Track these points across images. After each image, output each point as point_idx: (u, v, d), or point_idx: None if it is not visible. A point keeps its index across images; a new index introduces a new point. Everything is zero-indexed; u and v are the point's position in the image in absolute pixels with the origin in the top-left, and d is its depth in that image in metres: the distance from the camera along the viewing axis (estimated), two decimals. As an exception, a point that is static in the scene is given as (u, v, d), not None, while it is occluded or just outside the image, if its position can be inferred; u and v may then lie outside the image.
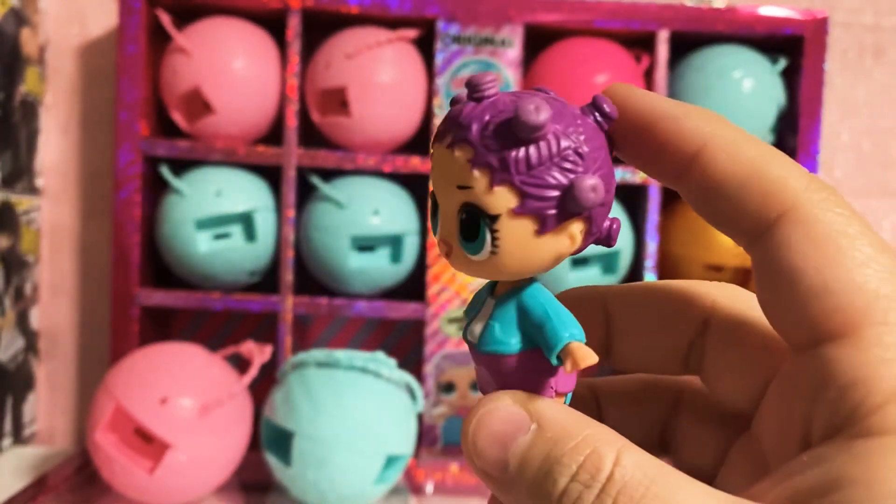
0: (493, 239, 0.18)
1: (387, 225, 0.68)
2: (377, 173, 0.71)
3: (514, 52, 0.69)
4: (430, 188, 0.19)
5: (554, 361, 0.18)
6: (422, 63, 0.70)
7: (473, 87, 0.18)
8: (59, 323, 0.78)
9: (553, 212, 0.18)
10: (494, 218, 0.18)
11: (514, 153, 0.18)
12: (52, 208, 0.77)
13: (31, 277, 0.74)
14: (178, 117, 0.69)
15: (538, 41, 0.71)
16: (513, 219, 0.18)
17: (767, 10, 0.71)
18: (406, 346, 0.78)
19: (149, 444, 0.57)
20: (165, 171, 0.69)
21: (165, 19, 0.68)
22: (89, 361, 0.78)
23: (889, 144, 0.82)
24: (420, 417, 0.68)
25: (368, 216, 0.68)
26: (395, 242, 0.70)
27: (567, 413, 0.18)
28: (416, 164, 0.69)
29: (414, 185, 0.72)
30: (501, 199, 0.18)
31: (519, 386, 0.19)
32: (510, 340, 0.19)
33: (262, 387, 0.65)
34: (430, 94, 0.70)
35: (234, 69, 0.67)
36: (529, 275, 0.19)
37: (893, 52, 0.81)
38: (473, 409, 0.18)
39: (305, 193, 0.71)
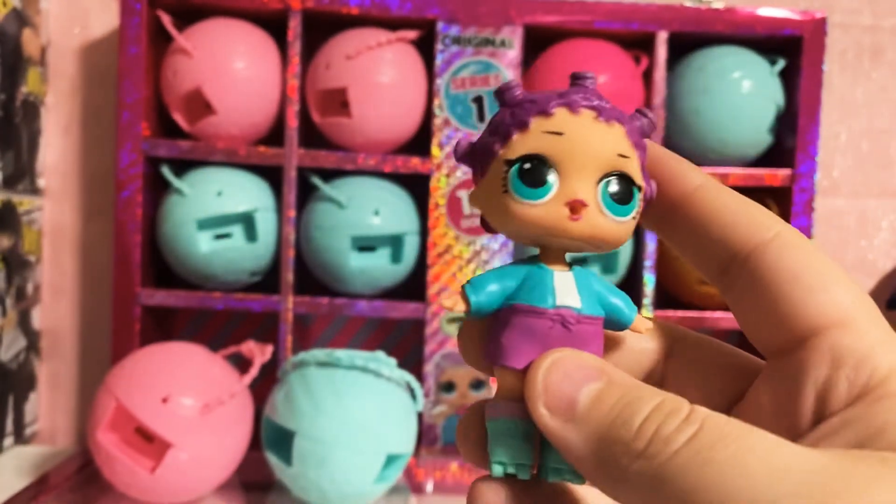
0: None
1: (387, 225, 0.68)
2: (377, 173, 0.71)
3: (514, 52, 0.69)
4: (521, 153, 0.20)
5: (623, 328, 0.22)
6: (422, 64, 0.71)
7: (583, 77, 0.21)
8: (60, 323, 0.78)
9: (647, 198, 0.22)
10: (639, 189, 0.21)
11: (643, 144, 0.21)
12: (54, 208, 0.77)
13: (33, 277, 0.75)
14: (179, 118, 0.70)
15: (538, 42, 0.72)
16: (640, 194, 0.21)
17: (766, 11, 0.71)
18: (406, 345, 0.78)
19: (150, 443, 0.58)
20: (167, 172, 0.69)
21: (166, 20, 0.69)
22: (91, 361, 0.78)
23: (887, 144, 0.82)
24: (420, 417, 0.69)
25: (369, 216, 0.68)
26: (395, 242, 0.70)
27: (632, 378, 0.19)
28: (416, 164, 0.70)
29: (414, 185, 0.72)
30: (640, 177, 0.21)
31: (588, 347, 0.21)
32: (598, 306, 0.21)
33: (263, 386, 0.65)
34: (431, 94, 0.70)
35: (235, 70, 0.67)
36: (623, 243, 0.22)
37: (892, 52, 0.82)
38: (543, 357, 0.20)
39: (306, 194, 0.72)
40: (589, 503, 0.23)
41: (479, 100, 0.70)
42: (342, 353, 0.58)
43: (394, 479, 0.60)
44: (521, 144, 0.20)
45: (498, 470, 0.20)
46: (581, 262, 0.22)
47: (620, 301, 0.22)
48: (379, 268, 0.69)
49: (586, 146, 0.20)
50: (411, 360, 0.75)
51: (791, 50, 0.72)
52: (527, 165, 0.20)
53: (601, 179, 0.20)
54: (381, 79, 0.68)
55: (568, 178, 0.20)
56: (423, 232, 0.71)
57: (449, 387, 0.71)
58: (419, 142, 0.72)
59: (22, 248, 0.72)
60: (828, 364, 0.18)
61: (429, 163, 0.70)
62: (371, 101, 0.68)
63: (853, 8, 0.81)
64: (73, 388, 0.78)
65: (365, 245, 0.69)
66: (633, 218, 0.21)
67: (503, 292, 0.21)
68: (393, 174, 0.71)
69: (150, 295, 0.69)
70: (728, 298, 0.21)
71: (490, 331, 0.21)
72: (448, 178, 0.70)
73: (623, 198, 0.21)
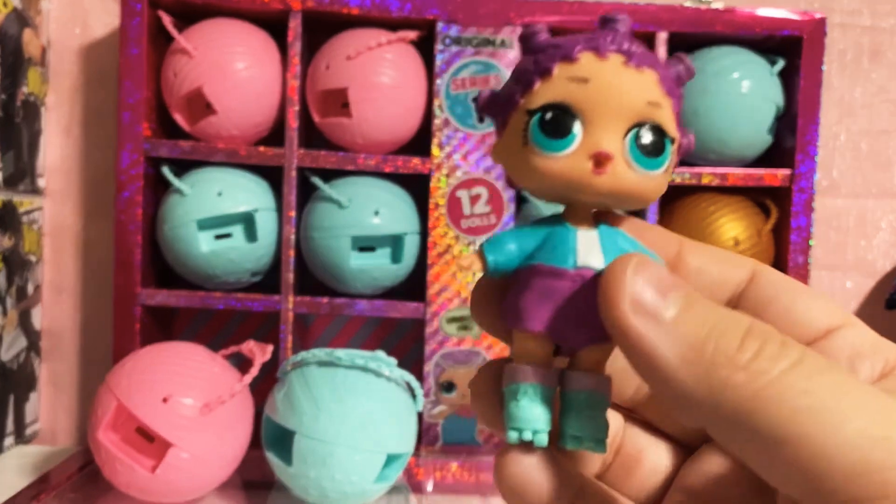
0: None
1: (387, 225, 0.69)
2: (378, 174, 0.71)
3: (514, 53, 0.70)
4: (543, 102, 0.19)
5: None
6: (422, 64, 0.71)
7: (614, 20, 0.19)
8: (61, 322, 0.78)
9: (683, 150, 0.21)
10: (672, 140, 0.20)
11: (681, 91, 0.20)
12: (55, 208, 0.78)
13: (34, 277, 0.75)
14: (179, 118, 0.70)
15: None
16: (674, 145, 0.20)
17: (765, 12, 0.71)
18: (406, 345, 0.78)
19: (150, 442, 0.58)
20: (167, 172, 0.69)
21: (167, 20, 0.69)
22: (91, 361, 0.78)
23: (887, 145, 0.82)
24: (420, 416, 0.69)
25: (369, 216, 0.68)
26: (395, 242, 0.70)
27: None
28: (416, 164, 0.70)
29: (414, 185, 0.72)
30: (674, 127, 0.20)
31: None
32: None
33: (264, 386, 0.65)
34: (431, 95, 0.70)
35: (235, 70, 0.67)
36: (654, 200, 0.21)
37: (891, 53, 0.82)
38: (626, 257, 0.18)
39: (306, 194, 0.72)
40: (608, 481, 0.23)
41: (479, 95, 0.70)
42: (342, 353, 0.58)
43: (394, 479, 0.60)
44: (544, 93, 0.19)
45: (513, 436, 0.20)
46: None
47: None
48: (379, 268, 0.70)
49: (613, 93, 0.19)
50: (411, 359, 0.75)
51: (790, 50, 0.72)
52: (548, 115, 0.19)
53: (629, 130, 0.19)
54: (381, 79, 0.68)
55: (593, 129, 0.19)
56: (424, 232, 0.71)
57: (449, 386, 0.71)
58: (419, 142, 0.72)
59: (22, 248, 0.72)
60: (848, 356, 0.19)
61: (429, 163, 0.70)
62: (371, 101, 0.68)
63: (852, 8, 0.81)
64: (74, 387, 0.79)
65: (365, 245, 0.70)
66: (666, 171, 0.20)
67: (522, 251, 0.20)
68: (393, 174, 0.71)
69: (151, 295, 0.70)
70: None
71: (508, 292, 0.20)
72: (448, 178, 0.70)
73: (653, 150, 0.19)
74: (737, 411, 0.16)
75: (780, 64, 0.72)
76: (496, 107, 0.21)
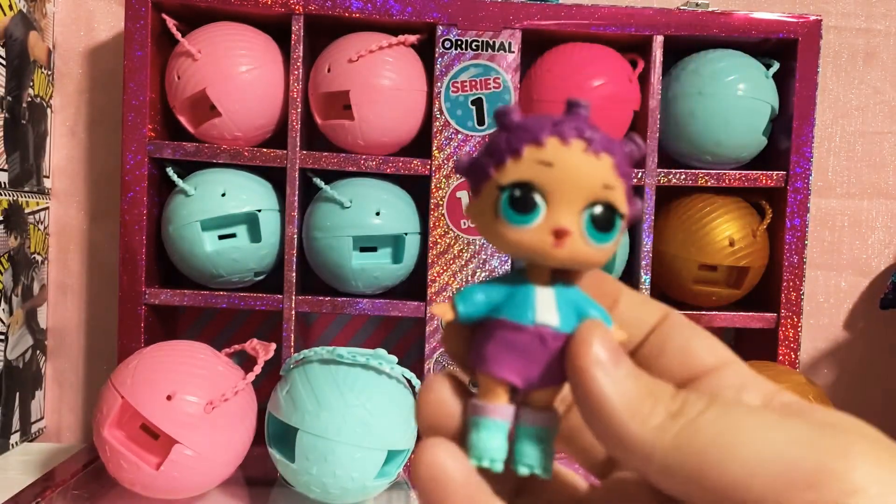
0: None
1: (388, 225, 0.69)
2: (379, 175, 0.72)
3: (513, 56, 0.70)
4: (512, 180, 0.22)
5: None
6: (422, 67, 0.71)
7: (577, 105, 0.22)
8: (66, 321, 0.79)
9: (631, 219, 0.23)
10: (622, 216, 0.22)
11: (631, 169, 0.23)
12: (60, 209, 0.78)
13: (40, 277, 0.75)
14: (183, 120, 0.71)
15: (536, 46, 0.73)
16: (624, 220, 0.23)
17: (761, 15, 0.72)
18: (407, 343, 0.79)
19: (155, 439, 0.58)
20: (172, 173, 0.70)
21: (171, 23, 0.70)
22: (96, 359, 0.79)
23: (881, 146, 0.83)
24: (420, 414, 0.69)
25: (370, 217, 0.69)
26: (396, 242, 0.71)
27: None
28: (416, 166, 0.71)
29: (414, 186, 0.73)
30: (625, 204, 0.22)
31: (561, 362, 0.22)
32: (575, 322, 0.23)
33: (267, 383, 0.66)
34: (431, 97, 0.71)
35: (238, 73, 0.68)
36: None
37: (885, 55, 0.83)
38: (594, 323, 0.22)
39: (309, 195, 0.72)
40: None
41: (478, 102, 0.71)
42: (344, 351, 0.59)
43: (394, 475, 0.60)
44: (514, 171, 0.22)
45: (474, 462, 0.22)
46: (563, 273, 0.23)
47: (598, 315, 0.23)
48: (380, 267, 0.70)
49: (574, 177, 0.22)
50: (412, 357, 0.76)
51: (785, 53, 0.73)
52: (517, 192, 0.22)
53: (586, 208, 0.22)
54: (382, 82, 0.69)
55: (554, 207, 0.22)
56: (424, 232, 0.72)
57: (449, 384, 0.72)
58: (420, 144, 0.72)
59: (28, 248, 0.73)
60: (736, 387, 0.23)
61: (429, 164, 0.71)
62: (372, 103, 0.68)
63: (847, 11, 0.82)
64: (79, 385, 0.79)
65: (366, 245, 0.70)
66: (615, 243, 0.23)
67: (489, 303, 0.23)
68: (394, 175, 0.72)
69: (156, 294, 0.70)
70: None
71: (475, 338, 0.23)
72: (448, 179, 0.71)
73: (605, 226, 0.22)
74: (670, 448, 0.20)
75: (776, 66, 0.72)
76: (472, 173, 0.23)
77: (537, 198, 0.22)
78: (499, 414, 0.22)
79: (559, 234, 0.22)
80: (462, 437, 0.23)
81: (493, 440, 0.22)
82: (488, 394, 0.23)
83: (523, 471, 0.23)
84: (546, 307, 0.22)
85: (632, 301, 0.25)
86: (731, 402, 0.21)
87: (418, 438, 0.70)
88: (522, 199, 0.22)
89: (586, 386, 0.21)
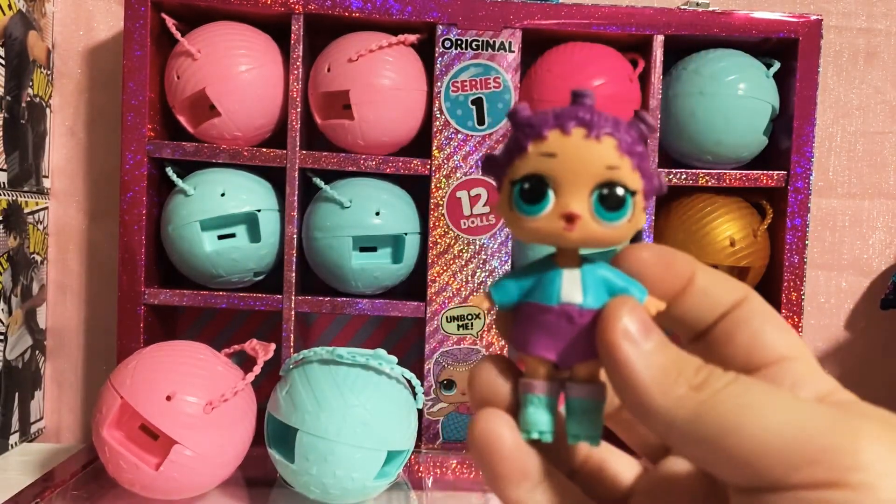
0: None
1: (388, 225, 0.69)
2: (379, 175, 0.72)
3: (513, 56, 0.70)
4: (521, 174, 0.23)
5: None
6: (422, 67, 0.71)
7: (582, 95, 0.23)
8: (66, 321, 0.79)
9: (652, 193, 0.24)
10: (633, 193, 0.23)
11: (641, 147, 0.24)
12: (60, 209, 0.78)
13: (39, 277, 0.75)
14: (183, 120, 0.71)
15: (536, 45, 0.72)
16: (639, 195, 0.24)
17: (761, 14, 0.72)
18: (407, 343, 0.79)
19: (154, 440, 0.58)
20: (171, 173, 0.70)
21: (170, 23, 0.70)
22: (96, 359, 0.79)
23: (882, 146, 0.83)
24: (420, 414, 0.69)
25: (370, 217, 0.69)
26: (396, 242, 0.71)
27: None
28: (416, 165, 0.71)
29: (414, 186, 0.73)
30: (636, 180, 0.23)
31: (594, 337, 0.24)
32: (604, 297, 0.24)
33: (266, 384, 0.66)
34: (431, 97, 0.71)
35: (238, 73, 0.68)
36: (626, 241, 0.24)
37: (886, 54, 0.82)
38: (616, 301, 0.23)
39: (308, 195, 0.72)
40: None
41: (478, 102, 0.70)
42: (344, 351, 0.59)
43: (394, 476, 0.60)
44: (522, 166, 0.23)
45: (524, 436, 0.24)
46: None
47: (629, 287, 0.24)
48: (380, 267, 0.70)
49: (576, 163, 0.23)
50: (412, 357, 0.76)
51: (786, 52, 0.73)
52: (526, 185, 0.23)
53: (593, 190, 0.23)
54: (382, 81, 0.68)
55: (562, 194, 0.23)
56: (424, 232, 0.72)
57: (449, 384, 0.72)
58: (420, 144, 0.72)
59: (28, 248, 0.72)
60: (790, 383, 0.24)
61: (429, 164, 0.71)
62: (372, 103, 0.68)
63: (848, 11, 0.82)
64: (79, 385, 0.79)
65: (366, 245, 0.70)
66: (630, 219, 0.24)
67: (521, 290, 0.25)
68: (394, 175, 0.72)
69: (155, 294, 0.70)
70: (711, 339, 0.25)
71: (515, 322, 0.25)
72: (448, 179, 0.71)
73: (615, 205, 0.23)
74: (691, 417, 0.21)
75: (776, 66, 0.72)
76: (492, 172, 0.25)
77: (546, 188, 0.23)
78: (543, 389, 0.24)
79: (569, 219, 0.23)
80: (513, 412, 0.24)
81: (539, 414, 0.24)
82: (532, 372, 0.25)
83: (573, 441, 0.24)
84: (571, 287, 0.24)
85: (709, 279, 0.25)
86: (753, 381, 0.22)
87: (419, 438, 0.70)
88: (532, 191, 0.23)
89: (614, 358, 0.22)
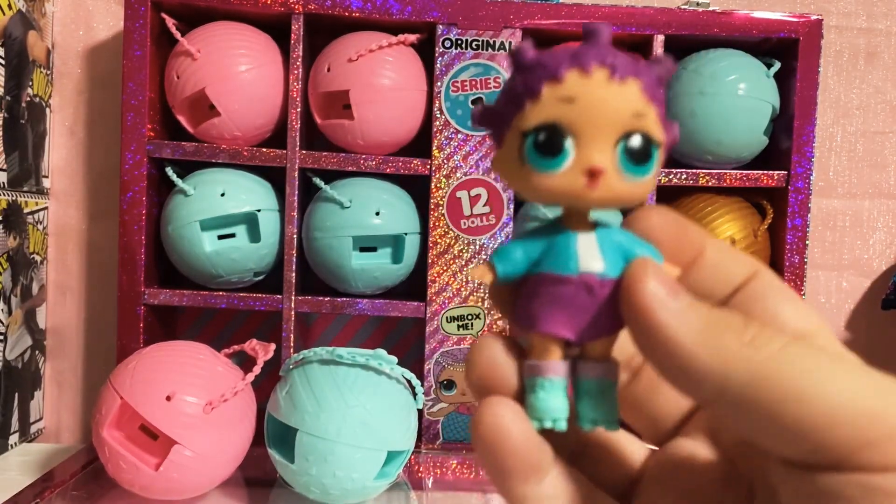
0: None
1: (388, 225, 0.69)
2: (379, 175, 0.72)
3: (513, 55, 0.70)
4: (535, 123, 0.20)
5: None
6: (422, 67, 0.71)
7: (596, 31, 0.20)
8: (65, 322, 0.79)
9: (669, 144, 0.22)
10: (658, 145, 0.21)
11: (662, 91, 0.21)
12: (59, 209, 0.78)
13: (38, 277, 0.75)
14: (183, 120, 0.70)
15: (537, 45, 0.72)
16: (661, 149, 0.21)
17: (762, 14, 0.72)
18: (407, 343, 0.79)
19: (154, 440, 0.58)
20: (171, 173, 0.70)
21: (170, 23, 0.70)
22: (95, 359, 0.79)
23: (882, 146, 0.83)
24: (420, 414, 0.69)
25: (370, 217, 0.69)
26: (396, 243, 0.71)
27: None
28: (416, 165, 0.71)
29: (414, 186, 0.73)
30: (660, 130, 0.21)
31: (613, 310, 0.21)
32: (623, 264, 0.21)
33: (266, 384, 0.66)
34: (431, 97, 0.71)
35: (238, 72, 0.68)
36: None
37: (886, 54, 0.82)
38: (637, 264, 0.21)
39: (308, 195, 0.72)
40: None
41: (478, 102, 0.70)
42: (344, 351, 0.59)
43: (394, 476, 0.60)
44: (535, 114, 0.20)
45: (535, 425, 0.21)
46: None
47: (647, 252, 0.22)
48: (380, 267, 0.70)
49: (600, 110, 0.20)
50: (412, 357, 0.76)
51: (787, 52, 0.73)
52: (541, 136, 0.20)
53: (618, 141, 0.20)
54: (382, 81, 0.68)
55: (584, 145, 0.20)
56: (424, 232, 0.72)
57: (449, 385, 0.72)
58: (420, 144, 0.72)
59: (27, 248, 0.72)
60: None
61: (429, 164, 0.70)
62: (372, 103, 0.68)
63: (848, 10, 0.82)
64: (78, 386, 0.79)
65: (366, 245, 0.70)
66: (654, 175, 0.21)
67: (528, 259, 0.22)
68: (394, 175, 0.72)
69: (155, 294, 0.70)
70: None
71: (520, 298, 0.22)
72: (448, 179, 0.70)
73: (641, 157, 0.20)
74: (747, 379, 0.19)
75: (777, 66, 0.72)
76: (491, 122, 0.22)
77: (564, 138, 0.20)
78: (555, 371, 0.22)
79: (592, 174, 0.20)
80: (518, 398, 0.22)
81: (552, 399, 0.21)
82: (542, 352, 0.22)
83: (588, 426, 0.22)
84: (589, 254, 0.21)
85: (719, 253, 0.23)
86: (815, 345, 0.20)
87: (419, 438, 0.70)
88: (548, 142, 0.20)
89: (646, 324, 0.20)
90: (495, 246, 0.71)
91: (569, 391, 0.22)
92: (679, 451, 0.24)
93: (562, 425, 0.21)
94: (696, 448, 0.24)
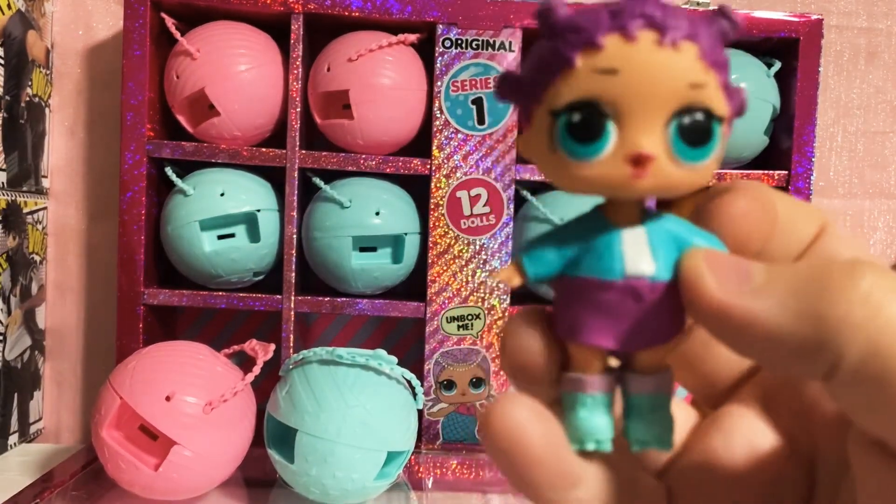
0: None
1: (388, 225, 0.69)
2: (378, 175, 0.72)
3: (513, 55, 0.70)
4: (568, 101, 0.17)
5: None
6: (422, 66, 0.71)
7: None
8: (65, 322, 0.79)
9: (735, 114, 0.18)
10: (721, 120, 0.17)
11: (725, 56, 0.17)
12: (59, 209, 0.78)
13: (38, 277, 0.75)
14: (182, 119, 0.70)
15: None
16: (725, 124, 0.18)
17: (762, 14, 0.72)
18: (406, 344, 0.79)
19: (154, 440, 0.58)
20: (171, 173, 0.70)
21: (170, 23, 0.69)
22: (95, 360, 0.79)
23: (883, 146, 0.83)
24: (420, 414, 0.69)
25: (370, 217, 0.69)
26: (396, 242, 0.71)
27: None
28: (416, 165, 0.70)
29: (414, 186, 0.73)
30: (723, 102, 0.17)
31: (668, 315, 0.18)
32: (673, 264, 0.18)
33: (266, 384, 0.66)
34: (431, 97, 0.71)
35: (238, 72, 0.68)
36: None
37: (887, 54, 0.82)
38: (690, 259, 0.18)
39: (308, 194, 0.72)
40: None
41: (478, 101, 0.70)
42: (343, 351, 0.59)
43: (394, 476, 0.60)
44: (568, 89, 0.17)
45: (576, 447, 0.19)
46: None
47: (707, 244, 0.18)
48: (380, 267, 0.70)
49: (648, 83, 0.17)
50: (412, 358, 0.76)
51: (787, 52, 0.73)
52: (576, 117, 0.17)
53: (671, 120, 0.17)
54: (382, 81, 0.68)
55: (628, 127, 0.17)
56: (424, 232, 0.72)
57: (449, 385, 0.72)
58: (420, 143, 0.72)
59: (27, 248, 0.72)
60: None
61: (429, 164, 0.70)
62: (372, 103, 0.68)
63: (849, 10, 0.82)
64: (78, 386, 0.79)
65: (366, 245, 0.70)
66: (717, 156, 0.18)
67: (563, 257, 0.18)
68: (394, 175, 0.72)
69: (154, 294, 0.70)
70: None
71: (556, 302, 0.19)
72: (448, 179, 0.70)
73: (700, 138, 0.17)
74: (865, 348, 0.15)
75: (777, 66, 0.72)
76: (517, 94, 0.18)
77: (605, 119, 0.17)
78: (598, 387, 0.19)
79: (639, 162, 0.17)
80: (551, 381, 0.19)
81: (595, 418, 0.19)
82: (583, 364, 0.19)
83: (638, 447, 0.19)
84: (637, 253, 0.18)
85: (789, 209, 0.20)
86: None
87: (419, 438, 0.70)
88: (584, 124, 0.17)
89: (732, 324, 0.17)
90: (506, 243, 0.71)
91: (615, 407, 0.19)
92: (731, 422, 0.21)
93: (606, 447, 0.19)
94: (751, 419, 0.21)
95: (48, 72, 0.76)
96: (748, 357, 0.17)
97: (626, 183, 0.17)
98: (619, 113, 0.17)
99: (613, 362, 0.20)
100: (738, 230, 0.19)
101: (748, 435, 0.21)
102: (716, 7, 0.18)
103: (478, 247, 0.71)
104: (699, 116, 0.17)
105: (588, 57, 0.17)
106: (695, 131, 0.17)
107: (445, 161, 0.70)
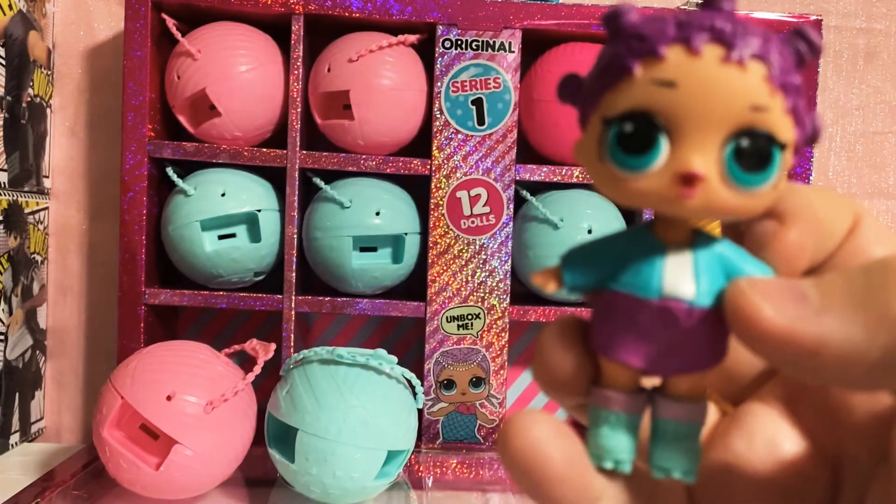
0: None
1: (388, 226, 0.69)
2: (379, 175, 0.72)
3: (513, 56, 0.70)
4: (622, 110, 0.16)
5: None
6: (422, 67, 0.71)
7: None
8: (66, 322, 0.79)
9: (805, 142, 0.17)
10: (783, 147, 0.16)
11: (798, 79, 0.16)
12: (60, 209, 0.78)
13: (39, 277, 0.75)
14: (183, 120, 0.71)
15: (536, 46, 0.72)
16: (789, 150, 0.17)
17: (761, 14, 0.72)
18: (407, 343, 0.79)
19: (155, 440, 0.58)
20: (171, 173, 0.70)
21: (171, 23, 0.70)
22: (96, 359, 0.79)
23: (882, 146, 0.83)
24: (420, 413, 0.69)
25: (370, 217, 0.69)
26: (396, 243, 0.71)
27: None
28: (416, 166, 0.71)
29: (414, 186, 0.73)
30: (789, 127, 0.16)
31: (705, 343, 0.17)
32: (722, 286, 0.17)
33: (266, 384, 0.66)
34: (431, 97, 0.71)
35: (238, 73, 0.68)
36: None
37: (886, 54, 0.83)
38: (737, 286, 0.17)
39: (309, 195, 0.72)
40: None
41: (478, 102, 0.70)
42: (344, 351, 0.59)
43: (394, 475, 0.60)
44: (624, 98, 0.16)
45: (594, 463, 0.19)
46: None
47: (757, 272, 0.18)
48: (380, 267, 0.70)
49: (708, 100, 0.16)
50: (412, 357, 0.76)
51: (786, 53, 0.73)
52: (628, 127, 0.16)
53: (727, 141, 0.16)
54: (382, 82, 0.69)
55: (681, 143, 0.16)
56: (424, 232, 0.72)
57: (449, 384, 0.72)
58: (420, 144, 0.72)
59: (28, 248, 0.73)
60: None
61: (429, 164, 0.71)
62: (372, 103, 0.68)
63: (847, 11, 0.82)
64: (79, 385, 0.79)
65: (366, 245, 0.70)
66: (775, 183, 0.17)
67: (603, 268, 0.18)
68: (394, 175, 0.72)
69: (155, 294, 0.70)
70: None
71: (593, 314, 0.19)
72: (448, 179, 0.71)
73: (757, 163, 0.16)
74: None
75: (776, 66, 0.72)
76: (576, 98, 0.18)
77: (658, 133, 0.16)
78: (624, 406, 0.18)
79: (689, 181, 0.16)
80: (582, 392, 0.19)
81: (616, 437, 0.18)
82: (612, 381, 0.18)
83: (659, 474, 0.19)
84: (678, 274, 0.17)
85: (823, 204, 0.19)
86: None
87: (419, 438, 0.71)
88: (636, 136, 0.16)
89: (801, 351, 0.16)
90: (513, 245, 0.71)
91: (643, 430, 0.19)
92: (754, 422, 0.20)
93: (625, 468, 0.18)
94: (774, 419, 0.20)
95: (49, 72, 0.77)
96: (826, 383, 0.17)
97: (674, 201, 0.16)
98: (674, 128, 0.16)
99: (649, 383, 0.19)
100: (791, 262, 0.18)
101: (771, 436, 0.20)
102: (795, 28, 0.17)
103: (478, 247, 0.71)
104: (759, 141, 0.16)
105: (648, 67, 0.16)
106: (752, 155, 0.16)
107: (445, 161, 0.70)
